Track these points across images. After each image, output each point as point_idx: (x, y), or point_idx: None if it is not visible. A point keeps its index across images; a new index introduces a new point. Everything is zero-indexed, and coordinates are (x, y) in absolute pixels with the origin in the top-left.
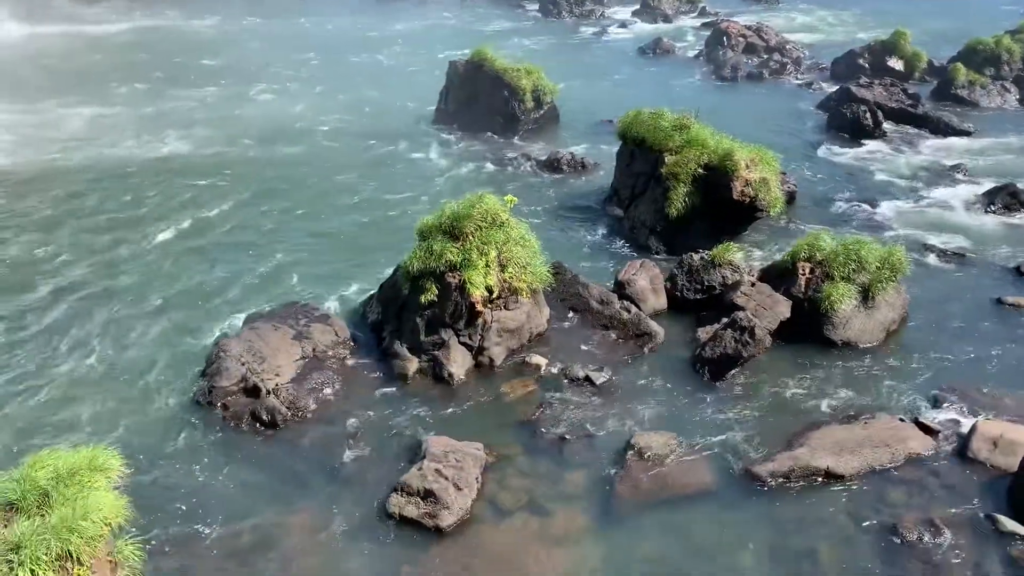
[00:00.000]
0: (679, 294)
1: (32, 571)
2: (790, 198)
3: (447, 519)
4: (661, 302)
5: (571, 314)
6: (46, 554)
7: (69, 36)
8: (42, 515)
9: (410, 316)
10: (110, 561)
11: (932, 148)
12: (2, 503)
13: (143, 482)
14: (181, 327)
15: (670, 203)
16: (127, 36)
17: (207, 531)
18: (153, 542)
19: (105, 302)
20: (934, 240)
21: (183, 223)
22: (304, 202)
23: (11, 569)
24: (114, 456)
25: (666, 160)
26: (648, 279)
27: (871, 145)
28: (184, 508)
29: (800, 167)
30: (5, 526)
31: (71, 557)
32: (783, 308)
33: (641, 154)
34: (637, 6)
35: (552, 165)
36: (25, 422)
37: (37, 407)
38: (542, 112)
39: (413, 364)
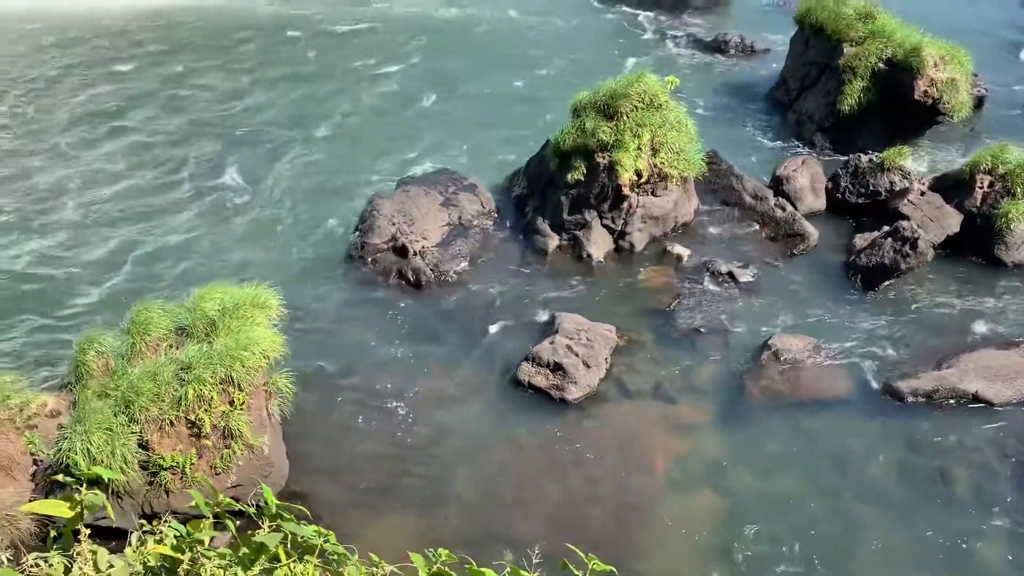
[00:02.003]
0: (840, 196)
1: (200, 389)
2: (978, 103)
3: (573, 393)
4: (819, 203)
5: (721, 206)
6: (211, 376)
7: None
8: (208, 342)
9: (555, 193)
10: (265, 391)
11: None
12: (174, 327)
13: (297, 322)
14: (341, 183)
15: (843, 98)
16: None
17: (350, 373)
18: (303, 376)
19: (277, 152)
20: None
21: (361, 80)
22: (461, 69)
23: (182, 385)
24: (274, 296)
25: (845, 51)
26: (809, 177)
27: None
28: (331, 350)
29: (996, 69)
30: (177, 348)
31: (232, 382)
32: (952, 221)
33: (817, 42)
34: None
35: (719, 47)
36: (196, 257)
37: (208, 244)
38: None
39: (553, 241)
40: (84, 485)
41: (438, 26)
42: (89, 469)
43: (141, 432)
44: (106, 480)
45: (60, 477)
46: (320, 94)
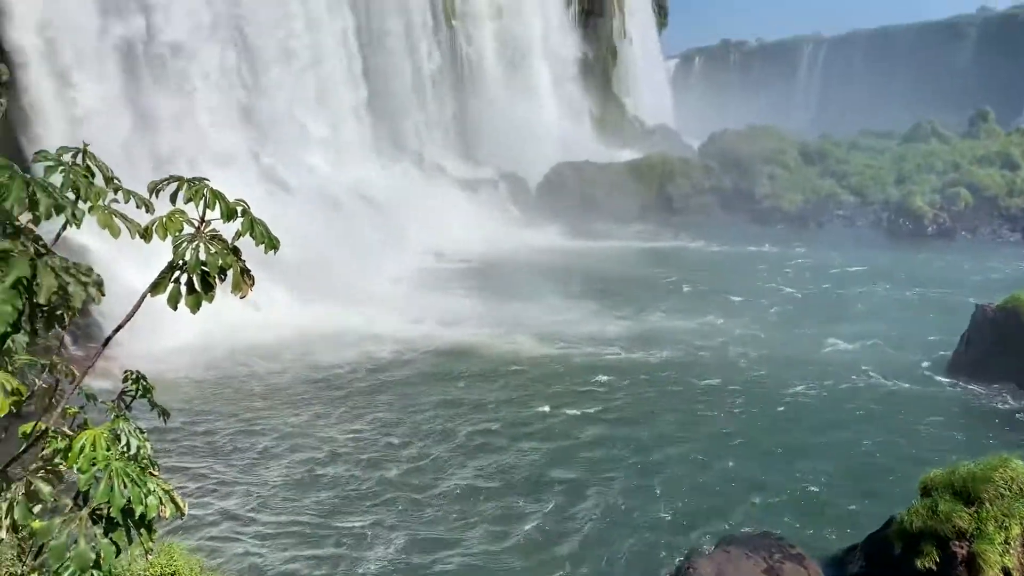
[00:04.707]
0: None
1: None
2: None
3: None
4: None
5: None
6: None
7: (598, 250)
8: None
9: None
10: None
11: None
12: None
13: None
14: (655, 535)
15: None
16: (656, 252)
17: None
18: None
19: (594, 496)
20: None
21: (687, 424)
22: (792, 430)
23: None
24: None
25: None
26: None
27: None
28: None
29: None
30: None
31: None
32: None
33: None
34: None
35: None
36: None
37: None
38: None
39: None
40: None
41: (762, 384)
42: None
43: None
44: None
45: None
46: (644, 436)
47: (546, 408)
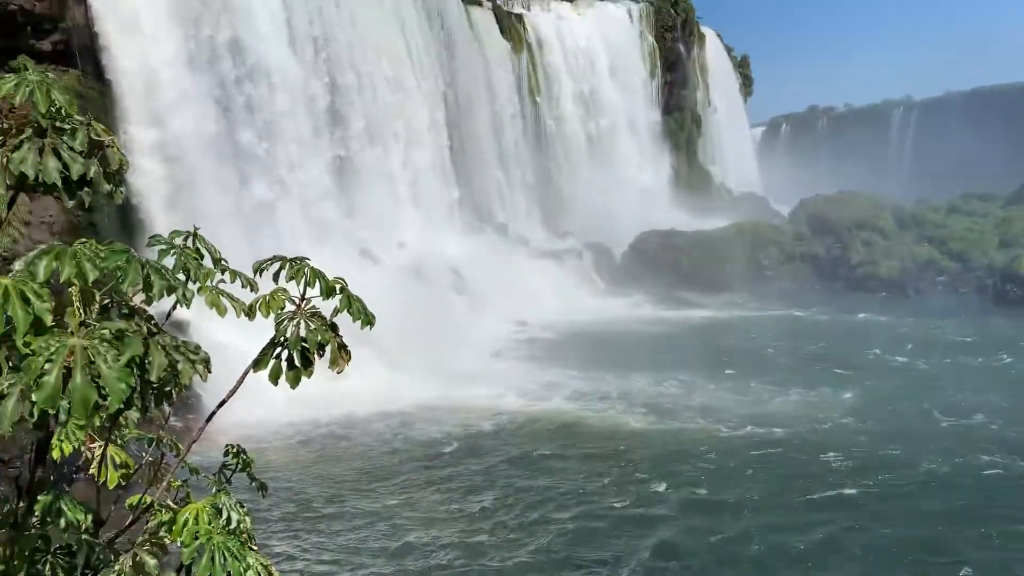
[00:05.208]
0: None
1: None
2: None
3: None
4: None
5: None
6: None
7: (689, 319)
8: None
9: None
10: None
11: None
12: None
13: None
14: None
15: None
16: (751, 321)
17: None
18: None
19: None
20: None
21: (788, 521)
22: (916, 516)
23: None
24: None
25: None
26: None
27: None
28: None
29: None
30: None
31: None
32: None
33: None
34: None
35: None
36: None
37: None
38: None
39: None
40: None
41: (894, 469)
42: None
43: None
44: None
45: None
46: (754, 525)
47: (654, 489)
